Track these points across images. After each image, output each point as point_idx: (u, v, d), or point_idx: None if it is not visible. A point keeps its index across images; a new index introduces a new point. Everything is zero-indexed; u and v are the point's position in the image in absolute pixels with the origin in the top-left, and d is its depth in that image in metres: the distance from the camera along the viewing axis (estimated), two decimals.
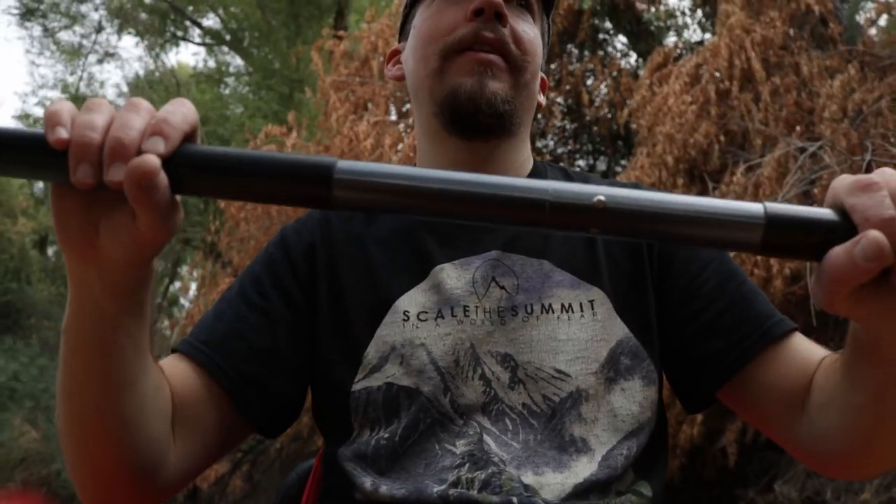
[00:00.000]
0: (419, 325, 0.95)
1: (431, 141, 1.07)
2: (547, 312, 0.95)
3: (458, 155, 1.04)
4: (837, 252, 0.58)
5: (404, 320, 0.95)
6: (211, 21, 15.67)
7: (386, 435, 0.93)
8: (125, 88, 15.16)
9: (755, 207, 0.61)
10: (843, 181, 0.61)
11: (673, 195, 0.62)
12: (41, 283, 13.09)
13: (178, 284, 16.70)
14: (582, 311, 0.95)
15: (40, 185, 13.96)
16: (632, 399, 0.94)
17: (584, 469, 0.89)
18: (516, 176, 1.04)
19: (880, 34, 4.99)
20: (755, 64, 5.49)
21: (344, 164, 0.62)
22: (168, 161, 0.61)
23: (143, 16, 14.87)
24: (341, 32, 7.83)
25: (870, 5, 6.03)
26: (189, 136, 0.64)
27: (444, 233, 1.01)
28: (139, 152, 0.60)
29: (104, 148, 0.60)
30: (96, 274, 0.69)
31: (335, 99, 6.44)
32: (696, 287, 0.97)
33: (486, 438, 0.90)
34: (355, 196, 0.62)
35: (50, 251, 14.95)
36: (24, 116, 14.33)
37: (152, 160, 0.59)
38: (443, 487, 0.88)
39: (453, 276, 0.98)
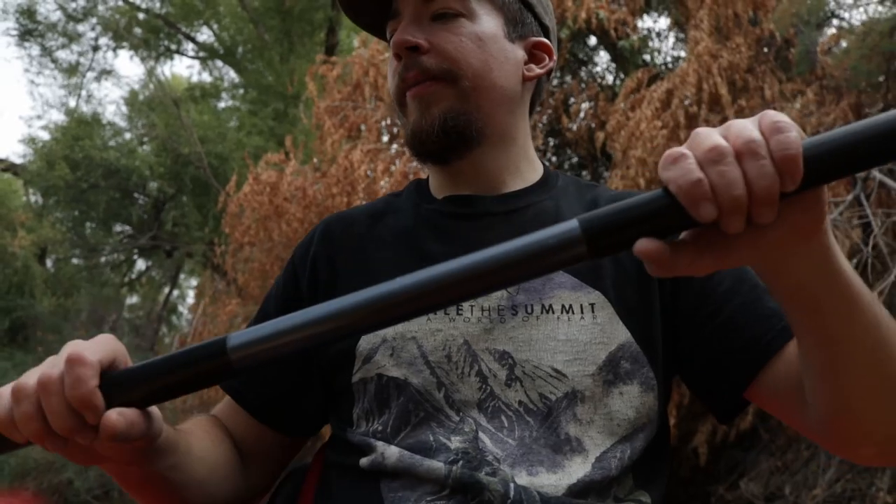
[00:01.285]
0: (410, 320, 0.98)
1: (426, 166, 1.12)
2: (547, 313, 0.95)
3: (445, 177, 1.09)
4: (673, 245, 0.65)
5: None
6: (205, 36, 16.01)
7: (379, 427, 0.95)
8: (124, 108, 15.47)
9: (569, 224, 0.65)
10: (672, 168, 0.64)
11: (492, 248, 0.67)
12: (44, 296, 13.37)
13: (176, 293, 17.03)
14: (582, 312, 0.95)
15: (39, 198, 14.30)
16: (629, 404, 0.94)
17: (577, 469, 0.90)
18: (524, 182, 1.09)
19: (835, 60, 5.36)
20: (721, 88, 5.82)
21: (234, 336, 0.73)
22: (106, 397, 0.73)
23: (138, 30, 15.15)
24: (334, 58, 8.15)
25: (831, 31, 6.42)
26: (109, 363, 0.75)
27: (447, 233, 1.04)
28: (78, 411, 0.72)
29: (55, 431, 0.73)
30: (106, 468, 0.86)
31: (329, 124, 6.79)
32: (710, 289, 0.97)
33: (482, 436, 0.91)
34: (253, 355, 0.72)
35: (49, 262, 15.22)
36: (30, 140, 14.62)
37: (99, 432, 0.72)
38: (448, 463, 0.90)
39: None
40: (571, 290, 0.97)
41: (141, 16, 15.07)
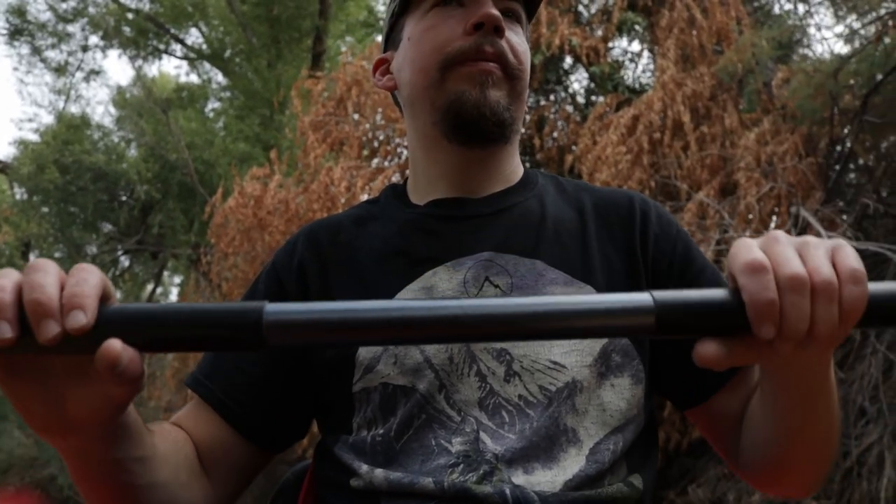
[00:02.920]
0: None
1: (427, 150, 1.09)
2: None
3: (455, 162, 1.07)
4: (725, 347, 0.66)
5: None
6: (193, 38, 16.16)
7: (381, 431, 0.94)
8: (112, 109, 15.63)
9: (643, 297, 0.65)
10: (737, 258, 0.66)
11: (572, 297, 0.67)
12: None
13: (159, 290, 17.15)
14: None
15: (25, 195, 14.39)
16: (620, 395, 0.95)
17: (572, 464, 0.90)
18: (506, 183, 1.09)
19: (788, 95, 5.68)
20: (684, 116, 6.09)
21: (272, 307, 0.65)
22: (99, 327, 0.63)
23: (127, 29, 15.30)
24: (319, 73, 8.43)
25: (794, 62, 6.76)
26: (105, 299, 0.66)
27: (437, 236, 1.04)
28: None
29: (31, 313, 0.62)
30: (74, 439, 0.73)
31: (313, 138, 7.08)
32: None
33: (483, 435, 0.91)
34: (287, 337, 0.65)
35: (32, 257, 15.31)
36: (20, 143, 14.74)
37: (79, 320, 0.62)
38: (439, 479, 0.89)
39: (445, 277, 0.99)
40: (563, 285, 0.98)
41: (130, 15, 15.22)
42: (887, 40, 5.07)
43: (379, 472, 0.92)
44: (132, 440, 0.79)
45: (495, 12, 1.00)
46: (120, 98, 15.97)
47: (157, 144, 12.43)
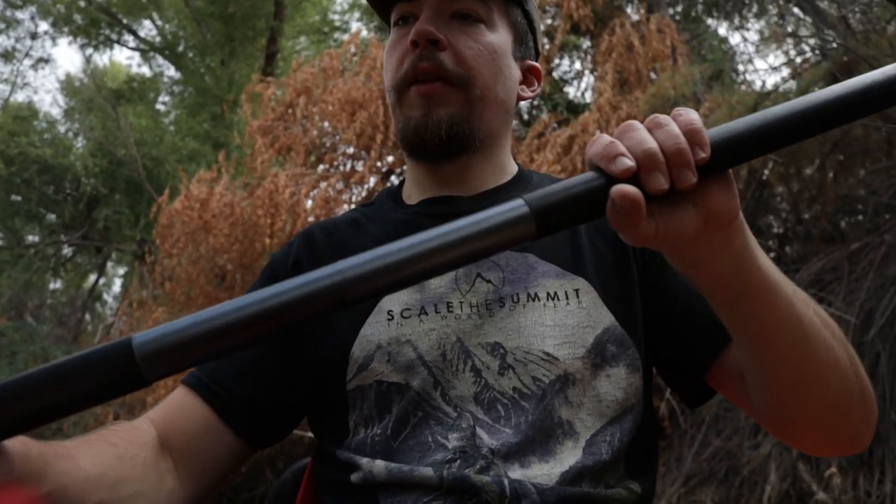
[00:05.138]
0: (403, 323, 0.96)
1: (409, 163, 1.11)
2: (533, 300, 0.96)
3: (430, 176, 1.08)
4: (607, 208, 0.65)
5: (388, 319, 0.97)
6: (146, 30, 16.03)
7: (378, 431, 0.94)
8: (60, 99, 15.45)
9: (516, 203, 0.65)
10: (594, 146, 0.67)
11: (445, 226, 0.64)
12: None
13: (102, 280, 16.98)
14: (567, 298, 0.96)
15: None
16: (616, 385, 0.95)
17: (569, 456, 0.90)
18: (494, 184, 1.08)
19: (714, 124, 6.01)
20: None
21: (140, 337, 0.58)
22: None
23: (78, 17, 15.15)
24: (270, 79, 8.57)
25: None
26: None
27: None
28: None
29: None
30: None
31: (260, 143, 7.21)
32: (669, 279, 1.00)
33: (479, 431, 0.91)
34: (166, 363, 0.58)
35: None
36: None
37: None
38: (440, 468, 0.89)
39: None
40: (555, 277, 0.98)
41: (82, 3, 15.05)
42: (798, 82, 5.43)
43: (380, 463, 0.91)
44: (37, 481, 0.71)
45: (426, 27, 0.99)
46: (69, 86, 15.82)
47: (106, 139, 12.38)
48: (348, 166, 7.51)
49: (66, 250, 15.03)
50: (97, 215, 13.23)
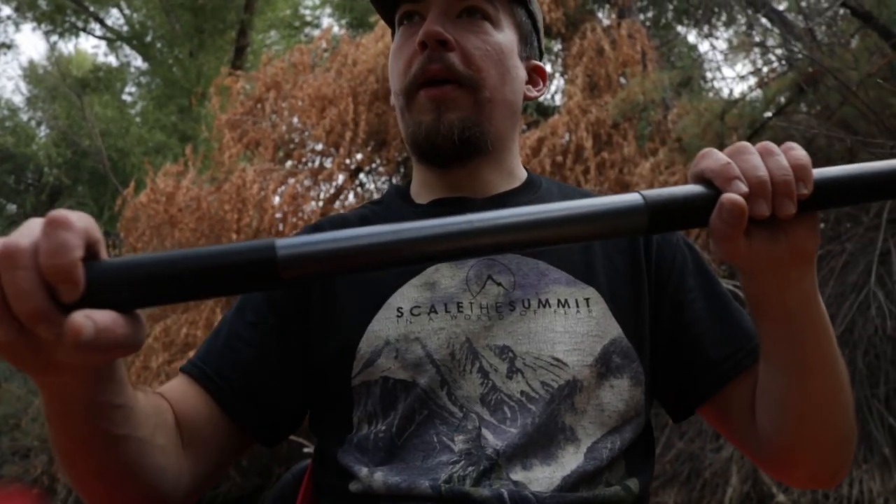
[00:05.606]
0: (412, 320, 0.95)
1: (417, 167, 1.10)
2: (544, 307, 0.96)
3: (440, 180, 1.07)
4: (713, 217, 0.70)
5: (398, 316, 0.96)
6: (113, 18, 15.79)
7: (383, 427, 0.94)
8: (23, 86, 15.16)
9: (633, 197, 0.69)
10: (707, 161, 0.73)
11: (564, 204, 0.68)
12: None
13: None
14: (578, 307, 0.96)
15: None
16: (619, 397, 0.95)
17: (570, 460, 0.90)
18: (504, 188, 1.08)
19: (681, 130, 6.07)
20: (587, 141, 6.40)
21: (283, 242, 0.63)
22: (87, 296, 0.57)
23: (42, 3, 14.89)
24: (239, 72, 8.49)
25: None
26: (91, 248, 0.59)
27: None
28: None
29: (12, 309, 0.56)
30: (56, 378, 0.67)
31: (229, 137, 7.15)
32: (685, 302, 1.00)
33: (484, 431, 0.91)
34: (303, 270, 0.62)
35: None
36: None
37: (77, 324, 0.55)
38: (436, 482, 0.88)
39: (448, 274, 0.99)
40: (566, 285, 0.98)
41: None
42: (765, 92, 5.52)
43: (378, 476, 0.91)
44: (114, 386, 0.73)
45: (435, 28, 0.98)
46: (32, 74, 15.53)
47: (70, 129, 12.18)
48: (317, 163, 7.47)
49: None
50: (59, 206, 12.74)
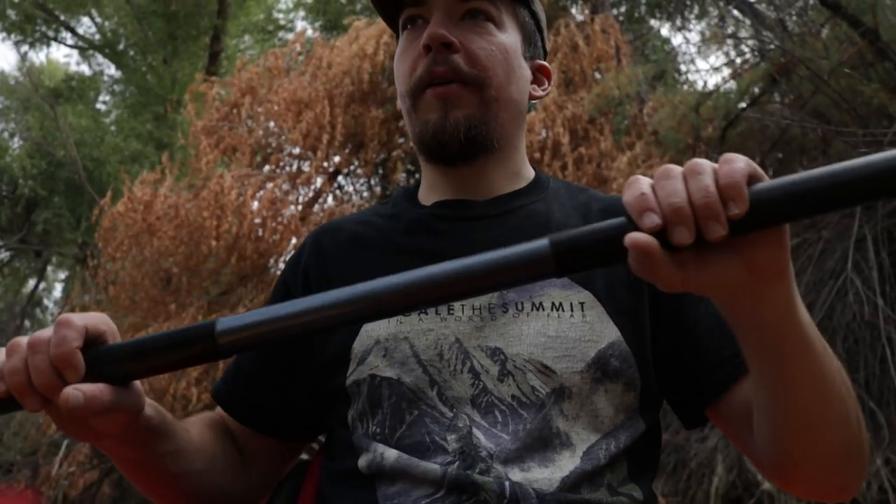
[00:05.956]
0: (403, 321, 0.97)
1: (424, 167, 1.11)
2: (537, 310, 0.96)
3: (446, 180, 1.08)
4: (629, 257, 0.66)
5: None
6: (85, 27, 15.68)
7: (375, 427, 0.95)
8: None
9: (540, 243, 0.69)
10: (626, 192, 0.69)
11: (472, 258, 0.71)
12: None
13: (42, 285, 16.55)
14: (572, 311, 0.96)
15: None
16: (611, 402, 0.95)
17: (567, 463, 0.90)
18: (510, 189, 1.09)
19: (657, 123, 6.11)
20: (563, 137, 6.43)
21: (223, 321, 0.76)
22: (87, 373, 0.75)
23: (12, 13, 14.74)
24: (214, 78, 8.45)
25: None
26: (94, 338, 0.79)
27: (440, 235, 1.05)
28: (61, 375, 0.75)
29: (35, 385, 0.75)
30: (102, 443, 0.87)
31: (205, 144, 7.11)
32: (686, 307, 0.99)
33: (476, 432, 0.91)
34: (240, 339, 0.75)
35: None
36: None
37: (75, 397, 0.74)
38: (444, 465, 0.90)
39: None
40: (561, 288, 0.97)
41: None
42: (738, 83, 5.56)
43: (392, 450, 0.93)
44: (157, 439, 0.90)
45: (439, 31, 0.99)
46: (3, 85, 15.38)
47: (44, 140, 12.07)
48: (294, 167, 7.45)
49: (4, 254, 14.66)
50: (36, 218, 12.89)
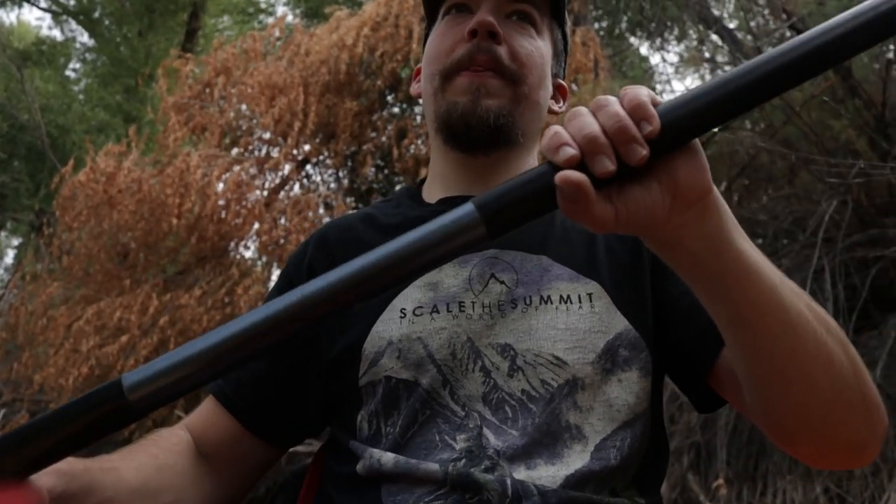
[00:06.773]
0: (415, 321, 0.96)
1: (437, 154, 1.12)
2: (546, 303, 0.96)
3: (462, 166, 1.09)
4: (559, 200, 0.63)
5: (401, 317, 0.97)
6: None
7: (388, 427, 0.95)
8: None
9: (465, 209, 0.65)
10: (543, 140, 0.67)
11: (398, 240, 0.67)
12: None
13: None
14: (580, 302, 0.96)
15: None
16: (628, 389, 0.94)
17: (576, 460, 0.89)
18: None
19: None
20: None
21: (129, 376, 0.65)
22: None
23: None
24: (189, 54, 8.33)
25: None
26: None
27: None
28: None
29: None
30: None
31: (175, 120, 7.00)
32: (673, 281, 0.97)
33: (486, 431, 0.91)
34: (155, 394, 0.64)
35: None
36: None
37: None
38: (444, 465, 0.89)
39: (451, 274, 1.00)
40: (569, 281, 0.98)
41: None
42: None
43: (389, 454, 0.92)
44: (85, 497, 0.81)
45: (489, 18, 1.01)
46: None
47: (8, 102, 11.79)
48: (263, 152, 7.36)
49: None
50: None
